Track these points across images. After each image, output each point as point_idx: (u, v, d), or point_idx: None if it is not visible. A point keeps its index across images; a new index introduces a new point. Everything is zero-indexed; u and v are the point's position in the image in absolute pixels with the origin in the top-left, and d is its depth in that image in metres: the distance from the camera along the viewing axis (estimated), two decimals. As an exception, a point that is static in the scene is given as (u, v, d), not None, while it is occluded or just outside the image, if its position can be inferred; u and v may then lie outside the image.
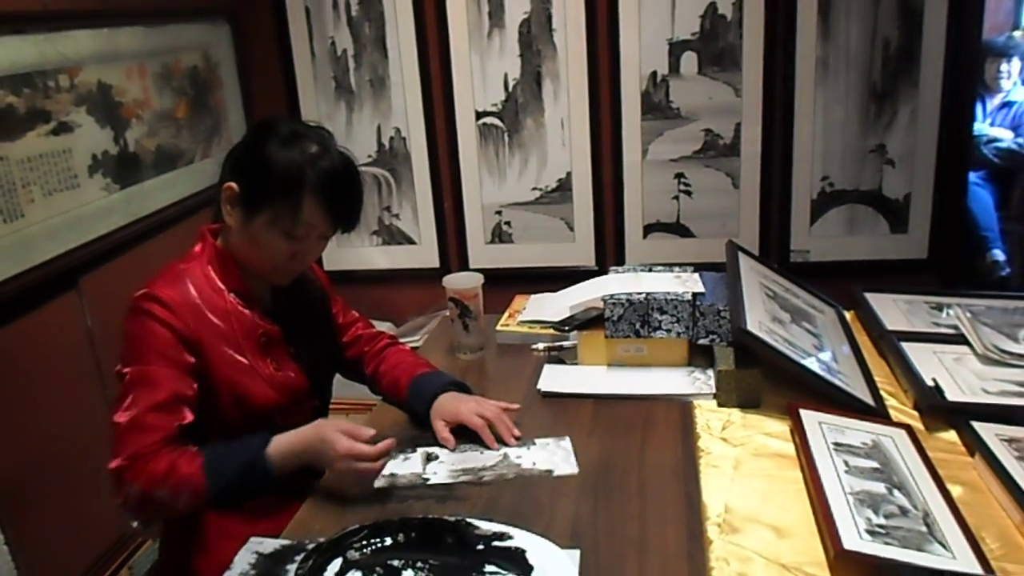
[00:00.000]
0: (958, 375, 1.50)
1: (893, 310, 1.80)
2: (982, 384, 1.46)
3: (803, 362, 1.44)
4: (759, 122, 2.70)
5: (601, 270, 2.82)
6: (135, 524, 2.08)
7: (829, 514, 1.11)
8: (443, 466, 1.34)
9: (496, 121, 2.80)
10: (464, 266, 2.90)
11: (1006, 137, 3.83)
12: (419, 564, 1.10)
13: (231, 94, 2.71)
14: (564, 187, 2.84)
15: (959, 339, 1.64)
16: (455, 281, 1.74)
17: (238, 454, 1.26)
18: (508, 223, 2.90)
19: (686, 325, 1.59)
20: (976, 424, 1.34)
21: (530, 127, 2.79)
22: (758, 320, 1.49)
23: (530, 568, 1.07)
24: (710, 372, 1.60)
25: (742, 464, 1.31)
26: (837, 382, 1.44)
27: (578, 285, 1.79)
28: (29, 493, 1.80)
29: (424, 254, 2.94)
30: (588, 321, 1.69)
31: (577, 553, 1.11)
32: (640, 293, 1.60)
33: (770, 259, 2.71)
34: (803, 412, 1.37)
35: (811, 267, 2.77)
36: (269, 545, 1.17)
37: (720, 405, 1.50)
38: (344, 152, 1.37)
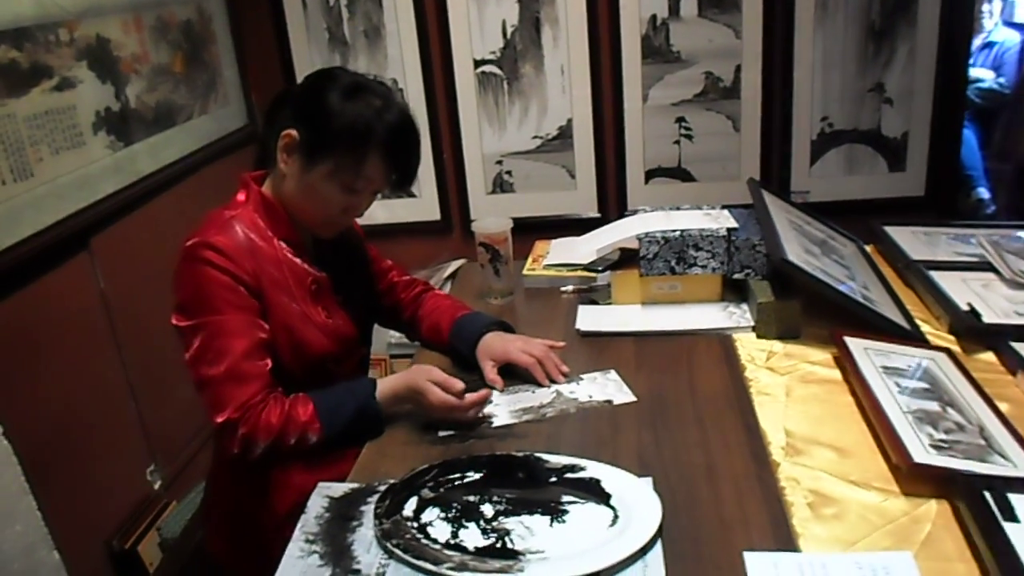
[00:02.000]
0: (989, 300, 1.53)
1: (914, 242, 1.83)
2: (1014, 307, 1.49)
3: (843, 289, 1.46)
4: (759, 64, 2.70)
5: (604, 217, 2.82)
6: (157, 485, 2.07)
7: (893, 432, 1.14)
8: (499, 408, 1.34)
9: (495, 69, 2.76)
10: (465, 218, 2.88)
11: (988, 77, 3.88)
12: (495, 498, 1.10)
13: (225, 49, 2.64)
14: (565, 134, 2.83)
15: (984, 267, 1.66)
16: (485, 226, 1.73)
17: (348, 399, 1.29)
18: (509, 172, 2.88)
19: (721, 260, 1.60)
20: (1015, 344, 1.37)
21: (529, 74, 2.76)
22: (795, 251, 1.50)
23: (607, 496, 1.08)
24: (744, 306, 1.61)
25: (793, 391, 1.33)
26: (876, 308, 1.46)
27: (606, 227, 1.79)
28: (53, 458, 1.77)
29: (424, 207, 2.91)
30: (620, 261, 1.69)
31: (650, 480, 1.12)
32: (675, 230, 1.61)
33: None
34: (848, 340, 1.39)
35: (812, 207, 2.78)
36: (338, 489, 1.16)
37: (760, 337, 1.52)
38: (405, 106, 1.35)
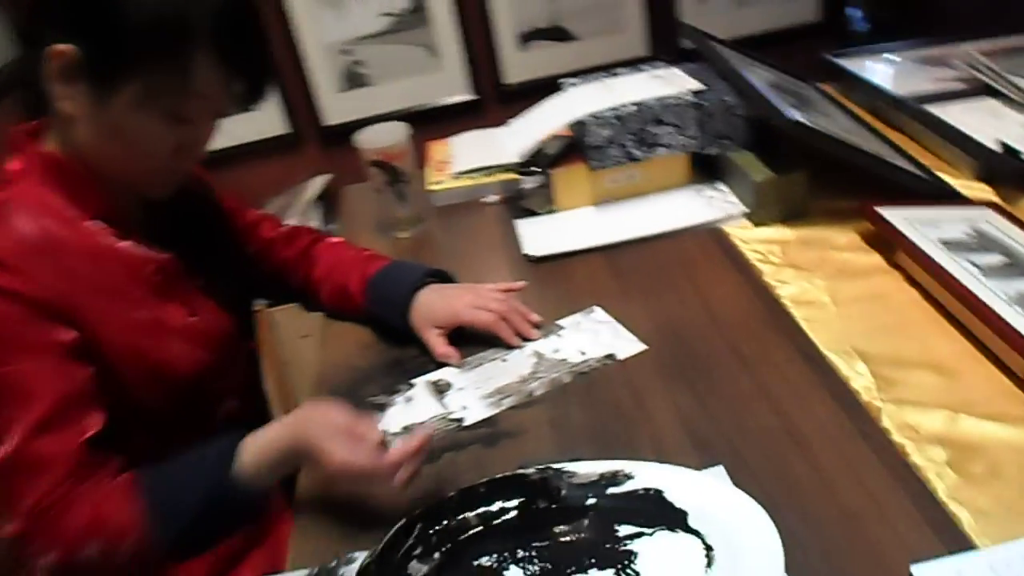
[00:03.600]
0: (1011, 132, 1.25)
1: (882, 75, 1.53)
2: (1045, 135, 1.22)
3: (864, 147, 1.14)
4: None
5: (481, 99, 2.40)
6: None
7: (1012, 330, 0.84)
8: (466, 394, 0.95)
9: (319, -67, 2.20)
10: (316, 124, 2.37)
11: None
12: (520, 554, 0.73)
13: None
14: (418, 7, 2.33)
15: (974, 92, 1.39)
16: (373, 138, 1.28)
17: (192, 480, 0.81)
18: (360, 63, 2.36)
19: (691, 134, 1.24)
20: (1072, 182, 1.10)
21: (363, -65, 2.22)
22: (787, 107, 1.16)
23: (682, 515, 0.73)
24: (721, 187, 1.27)
25: (838, 293, 1.02)
26: (901, 165, 1.15)
27: (529, 113, 1.38)
28: None
29: (265, 120, 2.36)
30: (560, 154, 1.29)
31: (721, 471, 0.79)
32: (626, 104, 1.22)
33: (657, 47, 2.40)
34: (884, 211, 1.08)
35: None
36: (276, 583, 0.76)
37: (757, 224, 1.19)
38: None
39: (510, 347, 1.01)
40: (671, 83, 1.28)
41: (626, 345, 0.97)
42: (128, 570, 0.79)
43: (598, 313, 1.05)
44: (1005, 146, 1.18)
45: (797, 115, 1.10)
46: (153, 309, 0.88)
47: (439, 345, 1.02)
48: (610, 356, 0.96)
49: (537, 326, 1.04)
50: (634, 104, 1.21)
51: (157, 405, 0.88)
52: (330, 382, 1.04)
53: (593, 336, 1.00)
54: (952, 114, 1.31)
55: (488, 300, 1.04)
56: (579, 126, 1.24)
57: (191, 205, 1.02)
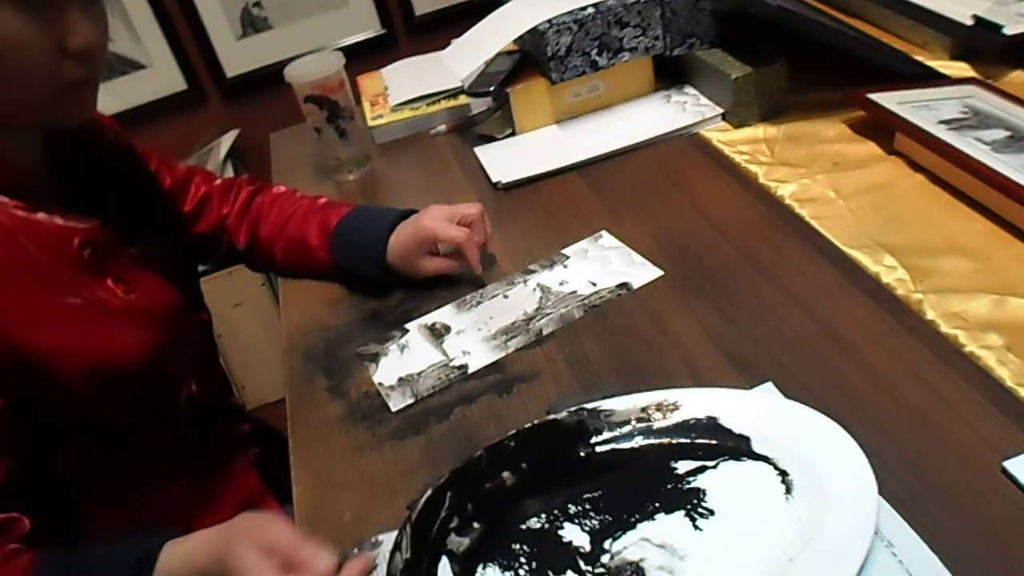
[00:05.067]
0: (980, 5, 1.19)
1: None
2: (1017, 9, 1.17)
3: (844, 30, 1.06)
4: None
5: (392, 32, 2.24)
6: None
7: (1046, 206, 0.79)
8: (466, 337, 0.85)
9: None
10: (219, 78, 2.17)
11: None
12: (572, 509, 0.64)
13: None
14: (311, -66, 2.14)
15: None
16: (305, 71, 1.13)
17: None
18: (257, 4, 2.16)
19: (655, 35, 1.14)
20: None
21: None
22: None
23: (744, 440, 0.66)
24: (690, 91, 1.18)
25: (842, 186, 0.95)
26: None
27: (473, 31, 1.25)
28: None
29: (162, 77, 2.14)
30: (512, 71, 1.18)
31: (771, 386, 0.71)
32: (583, 8, 1.11)
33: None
34: (876, 97, 1.01)
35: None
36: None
37: (737, 125, 1.11)
38: None
39: (511, 282, 0.91)
40: (624, -19, 1.17)
41: (640, 272, 0.88)
42: None
43: (606, 238, 0.95)
44: (978, 19, 1.13)
45: (773, -1, 1.01)
46: (85, 291, 0.73)
47: (433, 263, 0.91)
48: (624, 285, 0.87)
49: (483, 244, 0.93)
50: (592, 7, 1.10)
51: (107, 406, 0.74)
52: (301, 347, 0.91)
53: (603, 264, 0.90)
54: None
55: (460, 212, 0.92)
56: (533, 37, 1.13)
57: (110, 164, 0.86)
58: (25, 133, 0.75)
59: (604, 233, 0.95)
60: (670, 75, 1.21)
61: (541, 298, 0.87)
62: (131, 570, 0.64)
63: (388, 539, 0.64)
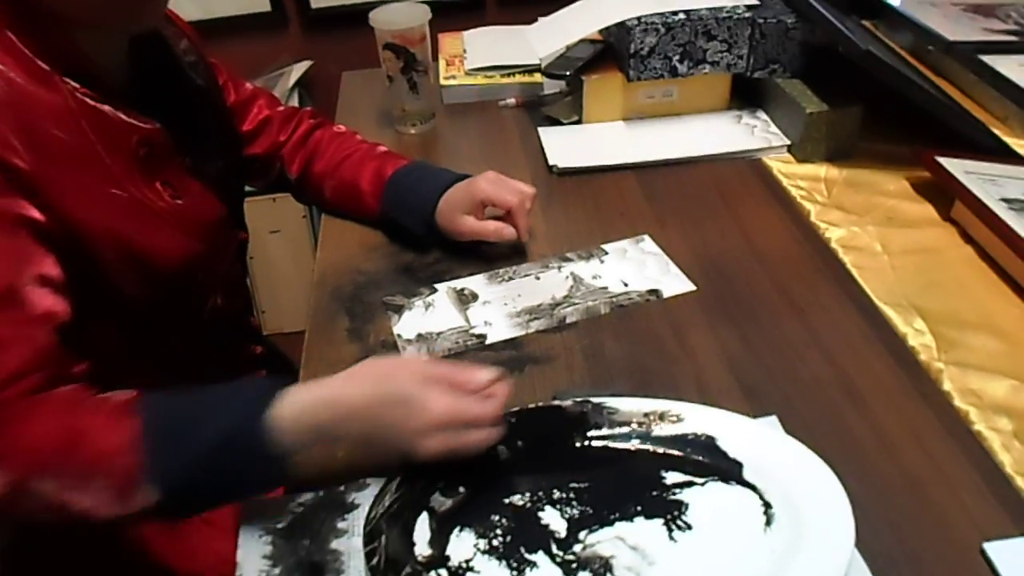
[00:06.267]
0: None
1: (926, 17, 1.44)
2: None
3: (927, 87, 1.06)
4: None
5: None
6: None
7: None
8: (492, 309, 0.87)
9: None
10: (304, 4, 2.19)
11: None
12: (556, 495, 0.67)
13: None
14: None
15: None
16: (390, 18, 1.15)
17: (213, 411, 0.63)
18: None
19: (740, 53, 1.14)
20: None
21: None
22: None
23: (736, 466, 0.67)
24: (761, 115, 1.18)
25: (890, 242, 0.95)
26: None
27: (563, 11, 1.26)
28: None
29: (247, -8, 2.18)
30: (591, 60, 1.19)
31: (775, 420, 0.72)
32: (676, 12, 1.12)
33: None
34: (944, 161, 1.01)
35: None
36: (279, 511, 0.68)
37: (801, 160, 1.11)
38: None
39: (546, 265, 0.92)
40: (719, -5, 1.17)
41: (674, 282, 0.89)
42: (97, 515, 0.60)
43: (648, 243, 0.96)
44: (1070, 104, 1.12)
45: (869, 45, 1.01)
46: (133, 187, 0.75)
47: (482, 225, 0.92)
48: (654, 292, 0.88)
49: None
50: (685, 13, 1.11)
51: (138, 299, 0.77)
52: (331, 284, 0.94)
53: (639, 267, 0.92)
54: (1005, 67, 1.23)
55: (512, 184, 0.93)
56: (619, 31, 1.14)
57: (182, 71, 0.89)
58: (110, 35, 0.77)
59: (646, 237, 0.96)
60: (745, 96, 1.21)
61: (572, 287, 0.89)
62: (252, 397, 0.63)
63: (375, 486, 0.67)
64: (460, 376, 0.65)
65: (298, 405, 0.63)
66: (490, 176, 0.93)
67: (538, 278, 0.91)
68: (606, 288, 0.88)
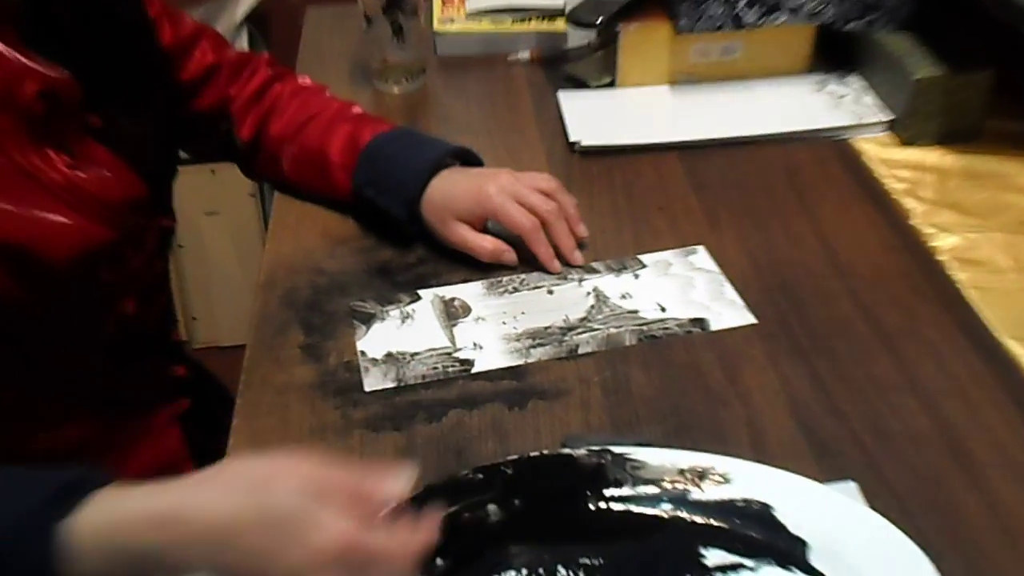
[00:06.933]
0: None
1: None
2: None
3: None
4: None
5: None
6: None
7: None
8: (485, 328, 0.87)
9: None
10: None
11: None
12: (561, 572, 0.67)
13: None
14: None
15: None
16: (370, -61, 1.17)
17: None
18: None
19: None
20: None
21: None
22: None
23: (801, 545, 0.67)
24: (854, 81, 1.20)
25: (1021, 255, 0.95)
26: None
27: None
28: None
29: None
30: (631, 4, 1.20)
31: (853, 486, 0.73)
32: (743, -56, 1.13)
33: None
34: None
35: None
36: None
37: (905, 143, 1.12)
38: None
39: (564, 276, 0.94)
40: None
41: (727, 312, 0.89)
42: None
43: (701, 255, 0.96)
44: None
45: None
46: (16, 151, 0.76)
47: (480, 240, 0.93)
48: (699, 322, 0.88)
49: (580, 244, 0.96)
50: (755, -55, 1.12)
51: (10, 302, 0.77)
52: (282, 287, 0.95)
53: (684, 287, 0.92)
54: None
55: (529, 192, 0.94)
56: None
57: (99, 6, 0.90)
58: None
59: (700, 249, 0.97)
60: (833, 56, 1.23)
61: (592, 307, 0.90)
62: (55, 491, 0.58)
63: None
64: (365, 488, 0.59)
65: (112, 517, 0.57)
66: (504, 181, 0.94)
67: (551, 292, 0.92)
68: (636, 312, 0.89)
